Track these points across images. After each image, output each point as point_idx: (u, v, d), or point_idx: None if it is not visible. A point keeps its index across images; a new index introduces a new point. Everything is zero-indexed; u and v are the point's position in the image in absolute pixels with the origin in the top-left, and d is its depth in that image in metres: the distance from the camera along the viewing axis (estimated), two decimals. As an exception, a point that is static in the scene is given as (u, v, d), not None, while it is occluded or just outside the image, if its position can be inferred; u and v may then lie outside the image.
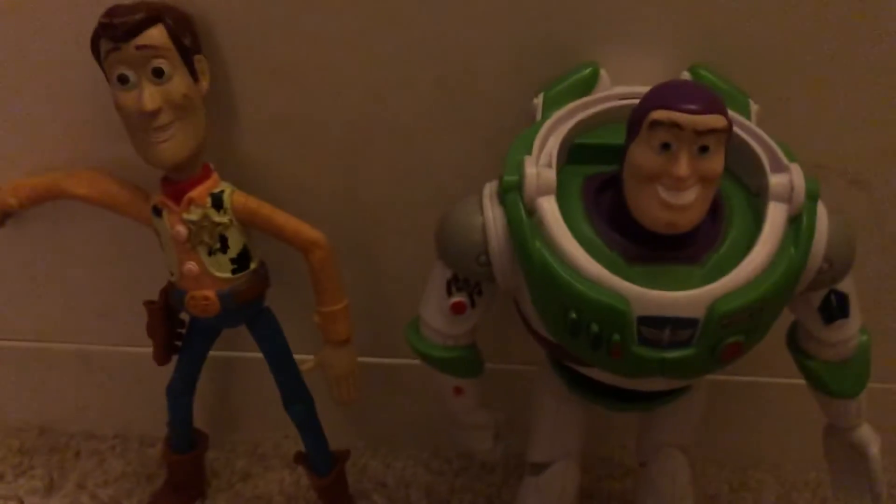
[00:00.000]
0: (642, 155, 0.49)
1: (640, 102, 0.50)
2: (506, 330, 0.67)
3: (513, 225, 0.53)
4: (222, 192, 0.62)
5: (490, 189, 0.55)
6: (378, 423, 0.85)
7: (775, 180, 0.52)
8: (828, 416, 0.66)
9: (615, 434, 0.84)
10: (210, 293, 0.64)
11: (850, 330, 0.60)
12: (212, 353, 0.74)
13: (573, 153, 0.57)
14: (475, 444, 0.67)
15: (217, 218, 0.62)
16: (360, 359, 0.70)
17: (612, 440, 0.85)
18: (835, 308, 0.58)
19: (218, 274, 0.63)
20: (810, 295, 0.57)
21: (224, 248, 0.63)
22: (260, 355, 0.71)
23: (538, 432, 0.67)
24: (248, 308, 0.67)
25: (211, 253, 0.63)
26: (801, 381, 0.64)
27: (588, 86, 0.61)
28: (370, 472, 0.86)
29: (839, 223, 0.54)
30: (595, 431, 0.68)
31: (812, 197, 0.52)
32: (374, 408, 0.83)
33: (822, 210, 0.54)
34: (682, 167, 0.48)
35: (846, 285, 0.58)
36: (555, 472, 0.67)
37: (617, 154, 0.52)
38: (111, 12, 0.56)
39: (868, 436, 0.65)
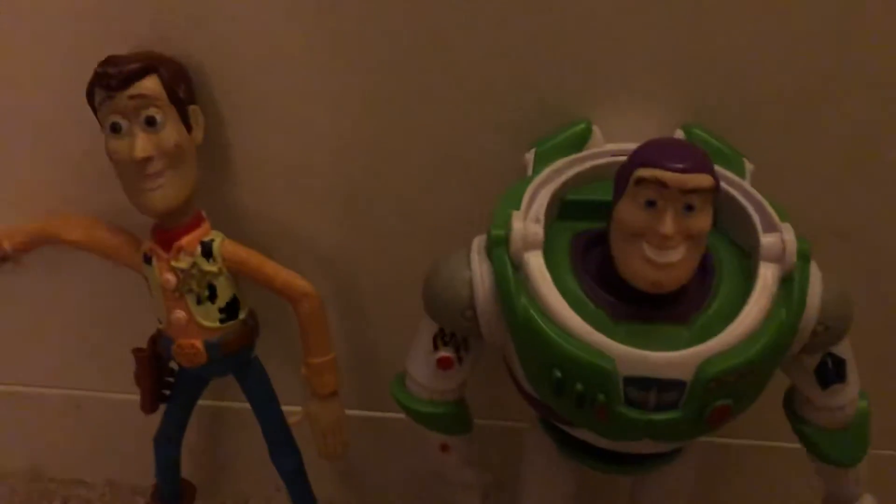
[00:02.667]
0: (628, 212, 0.49)
1: (627, 159, 0.50)
2: (496, 385, 0.66)
3: (499, 279, 0.52)
4: (212, 240, 0.62)
5: (478, 243, 0.55)
6: (368, 478, 0.84)
7: (766, 240, 0.51)
8: (826, 484, 0.64)
9: (607, 497, 0.82)
10: (197, 342, 0.63)
11: (848, 395, 0.58)
12: (200, 402, 0.74)
13: (563, 209, 0.57)
14: (463, 502, 0.66)
15: (206, 267, 0.62)
16: (349, 411, 0.69)
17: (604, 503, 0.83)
18: (831, 372, 0.57)
19: (206, 323, 0.63)
20: (805, 358, 0.56)
21: (213, 297, 0.63)
22: (250, 406, 0.70)
23: (528, 494, 0.66)
24: (235, 358, 0.66)
25: (199, 302, 0.63)
26: (799, 446, 0.62)
27: (580, 142, 0.61)
28: (360, 528, 0.84)
29: (834, 285, 0.53)
30: (587, 493, 0.67)
31: (804, 257, 0.51)
32: (364, 462, 0.82)
33: (815, 271, 0.53)
34: (668, 225, 0.47)
35: (843, 349, 0.57)
36: (544, 536, 0.65)
37: (607, 211, 0.52)
38: (107, 62, 0.57)
39: (868, 507, 0.63)
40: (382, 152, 0.66)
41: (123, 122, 0.57)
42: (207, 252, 0.62)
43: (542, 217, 0.53)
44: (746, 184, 0.57)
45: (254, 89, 0.64)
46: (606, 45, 0.60)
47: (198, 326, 0.63)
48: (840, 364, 0.57)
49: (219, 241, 0.63)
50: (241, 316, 0.65)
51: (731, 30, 0.59)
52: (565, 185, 0.57)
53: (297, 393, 0.69)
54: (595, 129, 0.61)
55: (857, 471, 0.61)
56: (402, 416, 0.61)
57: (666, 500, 0.66)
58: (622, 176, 0.50)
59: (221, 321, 0.64)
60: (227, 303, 0.63)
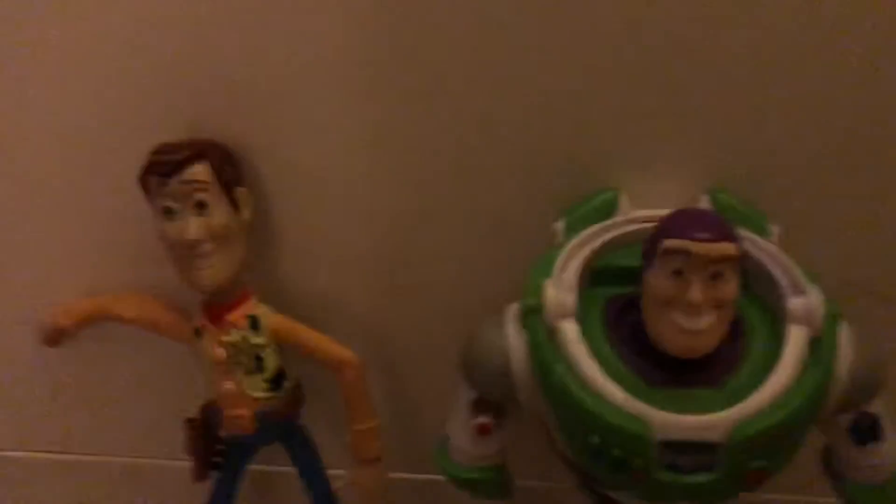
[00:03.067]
0: (657, 281, 0.50)
1: (654, 230, 0.52)
2: (538, 446, 0.67)
3: (534, 348, 0.54)
4: (259, 314, 0.65)
5: (512, 312, 0.57)
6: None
7: (794, 304, 0.53)
8: (868, 539, 0.64)
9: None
10: (246, 412, 0.66)
11: (886, 452, 0.58)
12: (251, 466, 0.75)
13: (596, 276, 0.59)
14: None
15: (254, 340, 0.64)
16: (392, 474, 0.70)
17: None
18: (866, 430, 0.57)
19: (254, 394, 0.65)
20: (839, 417, 0.57)
21: (260, 368, 0.65)
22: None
23: (570, 554, 0.66)
24: (282, 426, 0.68)
25: (248, 373, 0.65)
26: (836, 501, 0.62)
27: (608, 210, 0.63)
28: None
29: (865, 344, 0.54)
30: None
31: (832, 319, 0.53)
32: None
33: (845, 331, 0.54)
34: (696, 294, 0.49)
35: (877, 406, 0.57)
36: None
37: (636, 276, 0.54)
38: (159, 150, 0.61)
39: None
40: (420, 224, 0.69)
41: (176, 206, 0.61)
42: (255, 325, 0.65)
43: (574, 285, 0.55)
44: (773, 247, 0.58)
45: (297, 167, 0.67)
46: (633, 111, 0.62)
47: (246, 397, 0.65)
48: (874, 422, 0.57)
49: (265, 314, 0.65)
50: (287, 385, 0.67)
51: (755, 95, 0.61)
52: (595, 252, 0.59)
53: (343, 457, 0.70)
54: (623, 197, 0.63)
55: (899, 528, 0.61)
56: (443, 477, 0.63)
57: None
58: (650, 246, 0.51)
59: (269, 391, 0.66)
60: (274, 374, 0.66)
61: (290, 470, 0.74)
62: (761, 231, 0.61)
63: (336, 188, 0.68)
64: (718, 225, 0.50)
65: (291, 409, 0.68)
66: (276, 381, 0.66)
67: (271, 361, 0.66)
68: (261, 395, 0.66)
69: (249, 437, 0.67)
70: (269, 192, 0.68)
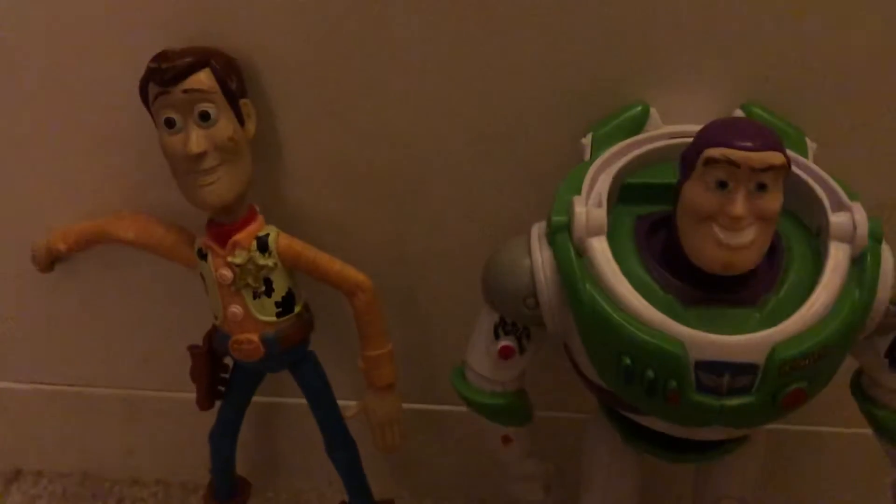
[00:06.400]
0: (697, 194, 0.48)
1: (694, 139, 0.49)
2: (557, 376, 0.65)
3: (562, 266, 0.51)
4: (268, 234, 0.62)
5: (538, 230, 0.54)
6: (424, 471, 0.83)
7: (836, 219, 0.50)
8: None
9: (672, 486, 0.81)
10: (254, 337, 0.63)
11: (920, 377, 0.57)
12: (255, 398, 0.73)
13: (624, 193, 0.56)
14: (525, 495, 0.65)
15: (262, 261, 0.61)
16: (405, 405, 0.68)
17: (668, 493, 0.82)
18: (903, 354, 0.55)
19: (262, 317, 0.63)
20: (876, 340, 0.55)
21: (269, 291, 0.62)
22: (303, 401, 0.70)
23: (591, 485, 0.65)
24: (291, 352, 0.66)
25: (256, 296, 0.62)
26: (867, 431, 0.61)
27: (638, 125, 0.60)
28: (415, 523, 0.84)
29: (906, 266, 0.52)
30: (651, 483, 0.66)
31: (876, 237, 0.50)
32: (420, 456, 0.81)
33: (886, 252, 0.51)
34: (739, 206, 0.46)
35: (916, 330, 0.55)
36: (608, 527, 0.64)
37: (668, 193, 0.51)
38: (159, 57, 0.57)
39: (942, 490, 0.61)
40: (436, 142, 0.65)
41: (177, 117, 0.57)
42: (263, 246, 0.61)
43: (604, 201, 0.52)
44: (811, 163, 0.55)
45: (303, 83, 0.63)
46: (661, 23, 0.59)
47: (254, 321, 0.63)
48: (913, 345, 0.55)
49: (274, 235, 0.62)
50: (297, 309, 0.64)
51: (791, 4, 0.57)
52: (625, 168, 0.56)
53: (352, 388, 0.68)
54: (653, 111, 0.60)
55: (930, 453, 0.60)
56: (460, 409, 0.61)
57: (732, 487, 0.64)
58: (689, 157, 0.48)
59: (278, 315, 0.63)
60: (283, 297, 0.63)
61: (295, 401, 0.72)
62: (798, 146, 0.58)
63: (345, 104, 0.64)
64: (764, 133, 0.47)
65: (301, 334, 0.65)
66: (286, 305, 0.63)
67: (280, 284, 0.63)
68: (269, 318, 0.63)
69: (257, 363, 0.64)
70: (275, 110, 0.65)
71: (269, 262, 0.62)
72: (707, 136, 0.48)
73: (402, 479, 0.84)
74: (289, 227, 0.64)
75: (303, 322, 0.65)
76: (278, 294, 0.63)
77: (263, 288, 0.62)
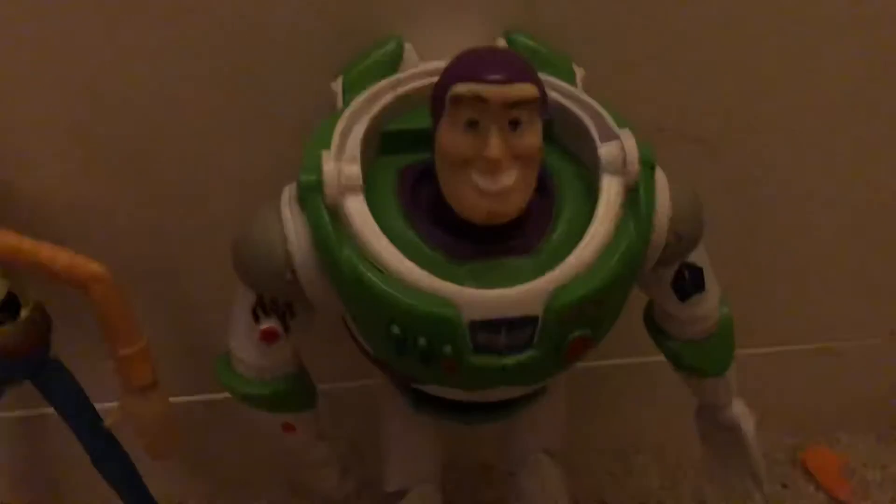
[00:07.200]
0: (449, 137, 0.42)
1: (440, 76, 0.43)
2: (337, 345, 0.59)
3: (315, 231, 0.45)
4: (-36, 230, 0.52)
5: (289, 193, 0.47)
6: (224, 465, 0.76)
7: (605, 150, 0.46)
8: (697, 395, 0.62)
9: (478, 450, 0.77)
10: (-28, 351, 0.53)
11: (709, 304, 0.55)
12: (11, 414, 0.63)
13: (384, 142, 0.50)
14: (320, 482, 0.60)
15: (-32, 262, 0.51)
16: (181, 398, 0.60)
17: (484, 446, 0.79)
18: (688, 283, 0.53)
19: (-22, 328, 0.53)
20: (661, 271, 0.52)
21: (-21, 297, 0.52)
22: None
23: (390, 459, 0.60)
24: (25, 363, 0.56)
25: (-32, 304, 0.52)
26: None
27: (392, 63, 0.54)
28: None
29: (682, 191, 0.49)
30: (463, 440, 0.62)
31: (648, 164, 0.47)
32: (214, 449, 0.74)
33: (662, 179, 0.48)
34: (494, 148, 0.41)
35: (698, 257, 0.53)
36: (412, 501, 0.60)
37: (431, 140, 0.45)
38: None
39: (741, 413, 0.60)
40: (167, 102, 0.57)
41: None
42: (-33, 244, 0.51)
43: (358, 155, 0.46)
44: (579, 91, 0.51)
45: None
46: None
47: (-31, 334, 0.53)
48: (697, 273, 0.53)
49: (-22, 229, 0.52)
50: (24, 313, 0.55)
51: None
52: (382, 114, 0.50)
53: (114, 388, 0.60)
54: (408, 46, 0.54)
55: (727, 379, 0.59)
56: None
57: (538, 441, 0.62)
58: (437, 96, 0.43)
59: (-1, 323, 0.54)
60: (1, 301, 0.53)
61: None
62: (565, 74, 0.53)
63: (62, 65, 0.54)
64: (515, 64, 0.42)
65: (34, 342, 0.56)
66: (8, 310, 0.54)
67: (-5, 287, 0.53)
68: (-13, 329, 0.53)
69: (-15, 379, 0.55)
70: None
71: (-23, 263, 0.52)
72: (452, 71, 0.42)
73: (204, 476, 0.76)
74: (7, 217, 0.54)
75: (34, 326, 0.56)
76: (-6, 299, 0.53)
77: (-25, 293, 0.52)
